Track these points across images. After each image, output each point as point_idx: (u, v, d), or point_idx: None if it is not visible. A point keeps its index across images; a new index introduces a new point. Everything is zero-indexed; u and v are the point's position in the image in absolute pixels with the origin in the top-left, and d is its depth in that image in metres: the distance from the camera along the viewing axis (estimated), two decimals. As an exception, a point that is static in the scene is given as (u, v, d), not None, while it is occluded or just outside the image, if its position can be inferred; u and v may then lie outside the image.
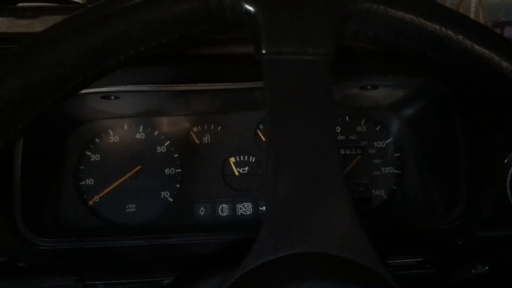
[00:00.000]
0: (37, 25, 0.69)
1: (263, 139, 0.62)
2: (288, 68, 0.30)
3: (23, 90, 0.26)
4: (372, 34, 0.32)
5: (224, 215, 0.60)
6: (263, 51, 0.30)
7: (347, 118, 0.63)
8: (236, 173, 0.61)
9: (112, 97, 0.52)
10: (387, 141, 0.63)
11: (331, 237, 0.27)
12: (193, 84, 0.53)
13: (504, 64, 0.30)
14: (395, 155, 0.63)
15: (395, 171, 0.62)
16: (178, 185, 0.60)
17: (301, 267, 0.27)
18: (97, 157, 0.60)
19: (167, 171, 0.60)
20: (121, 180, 0.60)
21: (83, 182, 0.59)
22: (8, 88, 0.26)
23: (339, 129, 0.63)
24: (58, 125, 0.57)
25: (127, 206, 0.59)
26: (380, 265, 0.27)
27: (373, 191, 0.63)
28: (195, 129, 0.62)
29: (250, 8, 0.31)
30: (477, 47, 0.31)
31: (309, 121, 0.29)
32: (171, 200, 0.60)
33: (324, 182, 0.29)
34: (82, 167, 0.59)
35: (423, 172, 0.61)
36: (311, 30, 0.30)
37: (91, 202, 0.59)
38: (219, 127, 0.62)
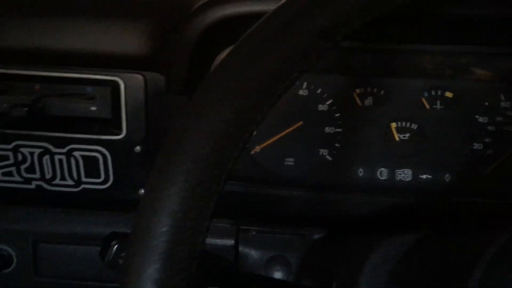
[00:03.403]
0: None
1: (427, 107, 0.60)
2: None
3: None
4: None
5: (382, 178, 0.60)
6: None
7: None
8: (397, 139, 0.60)
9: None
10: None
11: None
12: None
13: None
14: None
15: None
16: (337, 145, 0.61)
17: None
18: (261, 109, 0.61)
19: (327, 129, 0.61)
20: (282, 133, 0.61)
21: (247, 133, 0.61)
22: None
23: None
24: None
25: (286, 159, 0.61)
26: None
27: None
28: (358, 90, 0.61)
29: None
30: None
31: None
32: (330, 158, 0.61)
33: None
34: (246, 117, 0.61)
35: None
36: None
37: (252, 152, 0.61)
38: (383, 91, 0.61)
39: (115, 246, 0.45)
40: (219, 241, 0.62)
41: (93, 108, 0.61)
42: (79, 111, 0.60)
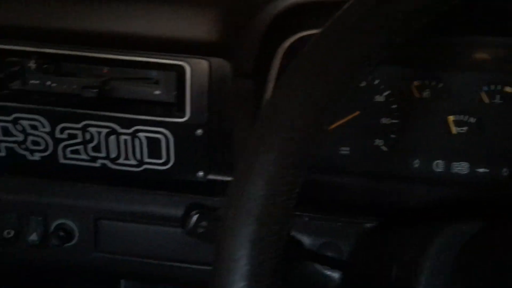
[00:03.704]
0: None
1: (486, 101, 0.60)
2: None
3: None
4: None
5: (438, 170, 0.60)
6: None
7: None
8: (454, 132, 0.60)
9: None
10: None
11: None
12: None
13: None
14: None
15: None
16: (393, 136, 0.61)
17: None
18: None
19: (383, 120, 0.62)
20: (339, 122, 0.62)
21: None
22: None
23: None
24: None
25: (341, 148, 0.62)
26: None
27: None
28: (416, 82, 0.62)
29: None
30: None
31: None
32: (385, 149, 0.61)
33: None
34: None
35: None
36: None
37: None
38: (441, 84, 0.61)
39: (196, 216, 0.48)
40: None
41: (157, 92, 0.63)
42: (144, 94, 0.63)
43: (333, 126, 0.62)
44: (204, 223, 0.47)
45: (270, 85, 0.54)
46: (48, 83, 0.64)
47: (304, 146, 0.28)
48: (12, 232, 0.66)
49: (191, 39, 0.57)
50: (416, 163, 0.60)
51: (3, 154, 0.64)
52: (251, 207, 0.27)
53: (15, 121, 0.62)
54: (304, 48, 0.30)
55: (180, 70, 0.58)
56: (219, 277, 0.27)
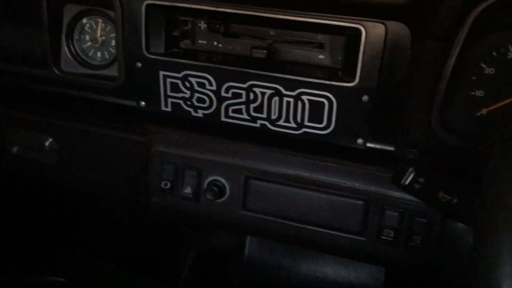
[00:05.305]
0: None
1: None
2: None
3: None
4: None
5: None
6: None
7: None
8: None
9: None
10: None
11: None
12: None
13: None
14: None
15: None
16: None
17: None
18: (492, 71, 0.59)
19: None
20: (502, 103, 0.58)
21: (473, 93, 0.59)
22: None
23: None
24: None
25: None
26: None
27: None
28: None
29: None
30: None
31: None
32: None
33: None
34: (474, 78, 0.59)
35: None
36: None
37: (478, 114, 0.59)
38: None
39: (413, 172, 0.47)
40: None
41: (321, 57, 0.63)
42: (308, 58, 0.63)
43: (506, 101, 0.59)
44: (421, 180, 0.47)
45: (456, 49, 0.52)
46: (215, 43, 0.66)
47: None
48: (169, 184, 0.70)
49: (369, 1, 0.56)
50: None
51: (169, 109, 0.67)
52: None
53: (184, 78, 0.65)
54: None
55: (353, 34, 0.57)
56: None
